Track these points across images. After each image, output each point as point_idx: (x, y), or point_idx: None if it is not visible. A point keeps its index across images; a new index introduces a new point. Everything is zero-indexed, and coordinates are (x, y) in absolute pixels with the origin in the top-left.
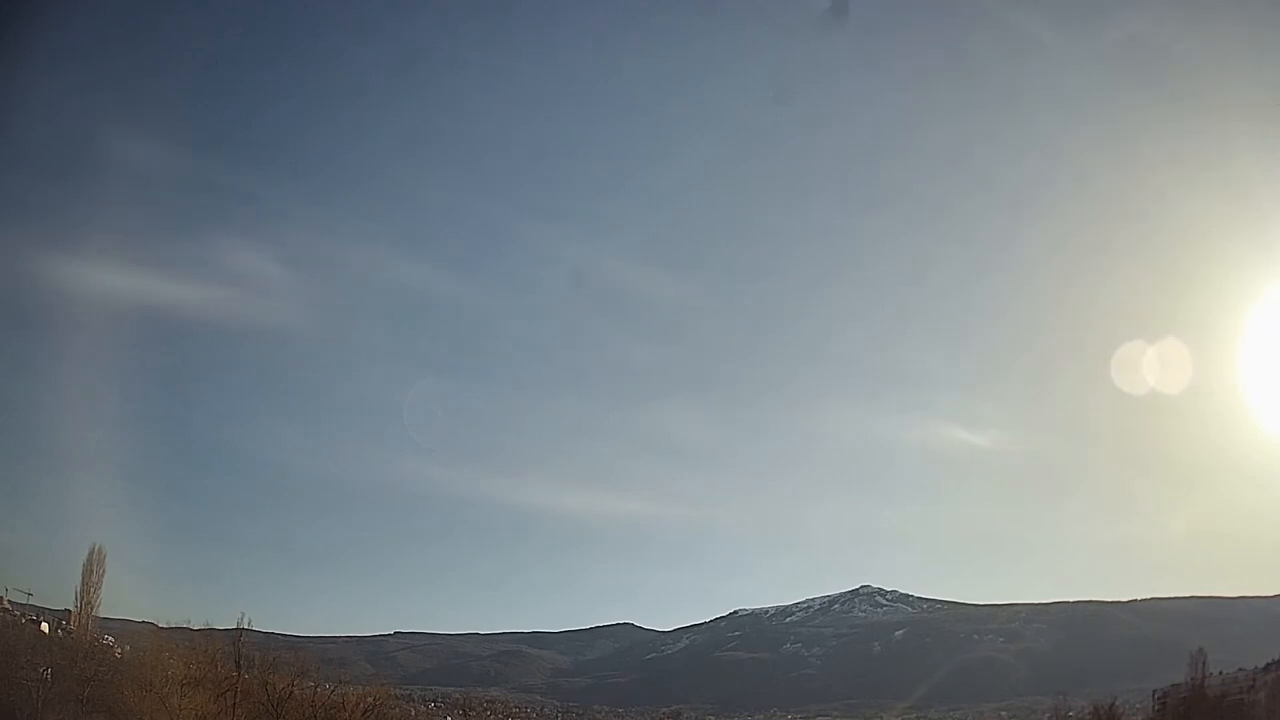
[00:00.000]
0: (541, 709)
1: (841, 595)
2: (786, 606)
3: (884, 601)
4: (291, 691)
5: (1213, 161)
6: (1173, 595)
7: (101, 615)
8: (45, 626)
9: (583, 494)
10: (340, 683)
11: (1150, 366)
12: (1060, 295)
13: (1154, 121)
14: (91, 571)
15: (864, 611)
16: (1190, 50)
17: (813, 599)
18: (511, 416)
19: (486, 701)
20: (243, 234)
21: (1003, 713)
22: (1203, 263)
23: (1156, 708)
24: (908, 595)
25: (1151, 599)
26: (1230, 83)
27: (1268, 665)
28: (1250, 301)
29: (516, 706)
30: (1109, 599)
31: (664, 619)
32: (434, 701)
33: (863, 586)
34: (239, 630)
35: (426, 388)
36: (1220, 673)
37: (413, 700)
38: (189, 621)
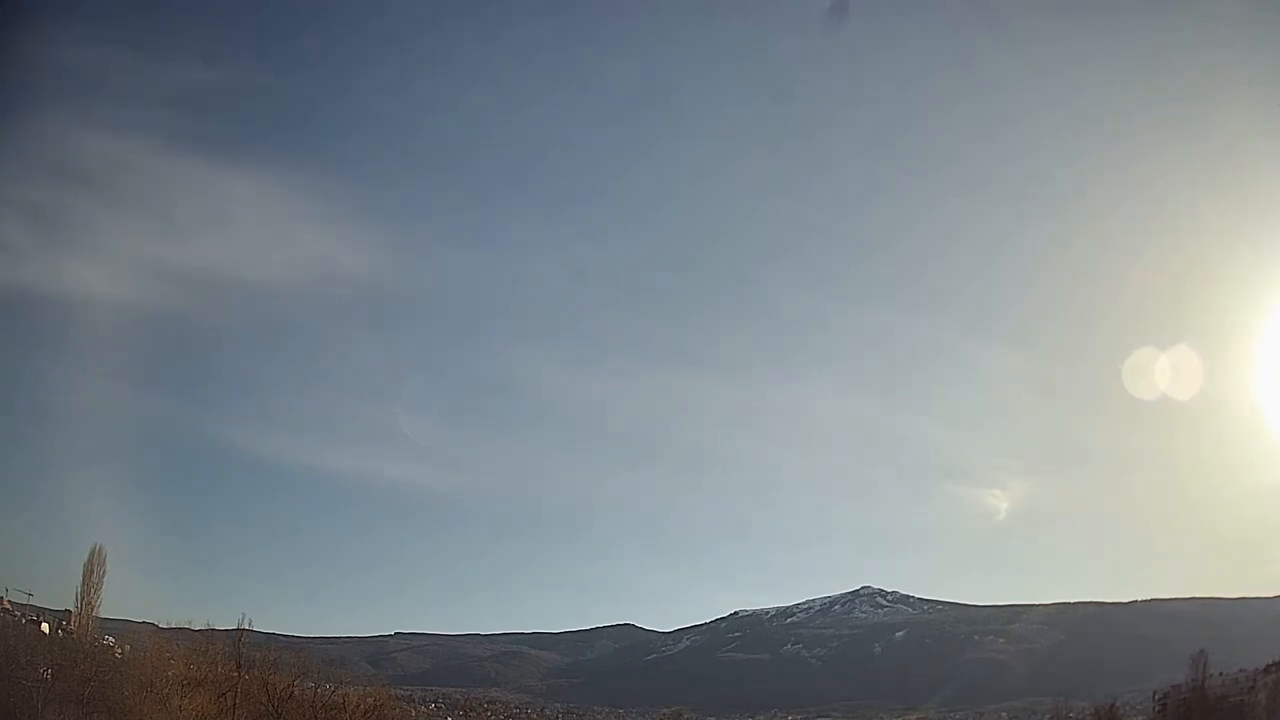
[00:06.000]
0: (542, 709)
1: (842, 596)
2: (787, 607)
3: (884, 602)
4: (292, 692)
5: (1223, 166)
6: (1173, 596)
7: (102, 615)
8: (45, 627)
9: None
10: (340, 683)
11: (1161, 372)
12: (1069, 296)
13: (1162, 124)
14: (92, 571)
15: (864, 612)
16: (1199, 50)
17: (813, 600)
18: None
19: (486, 702)
20: None
21: (1003, 713)
22: (1215, 269)
23: (1157, 709)
24: (908, 596)
25: (1152, 600)
26: (1241, 85)
27: (1268, 666)
28: (1263, 308)
29: (517, 707)
30: (1109, 600)
31: (664, 620)
32: (434, 702)
33: (863, 587)
34: (239, 631)
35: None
36: (1220, 674)
37: (413, 700)
38: (189, 622)
